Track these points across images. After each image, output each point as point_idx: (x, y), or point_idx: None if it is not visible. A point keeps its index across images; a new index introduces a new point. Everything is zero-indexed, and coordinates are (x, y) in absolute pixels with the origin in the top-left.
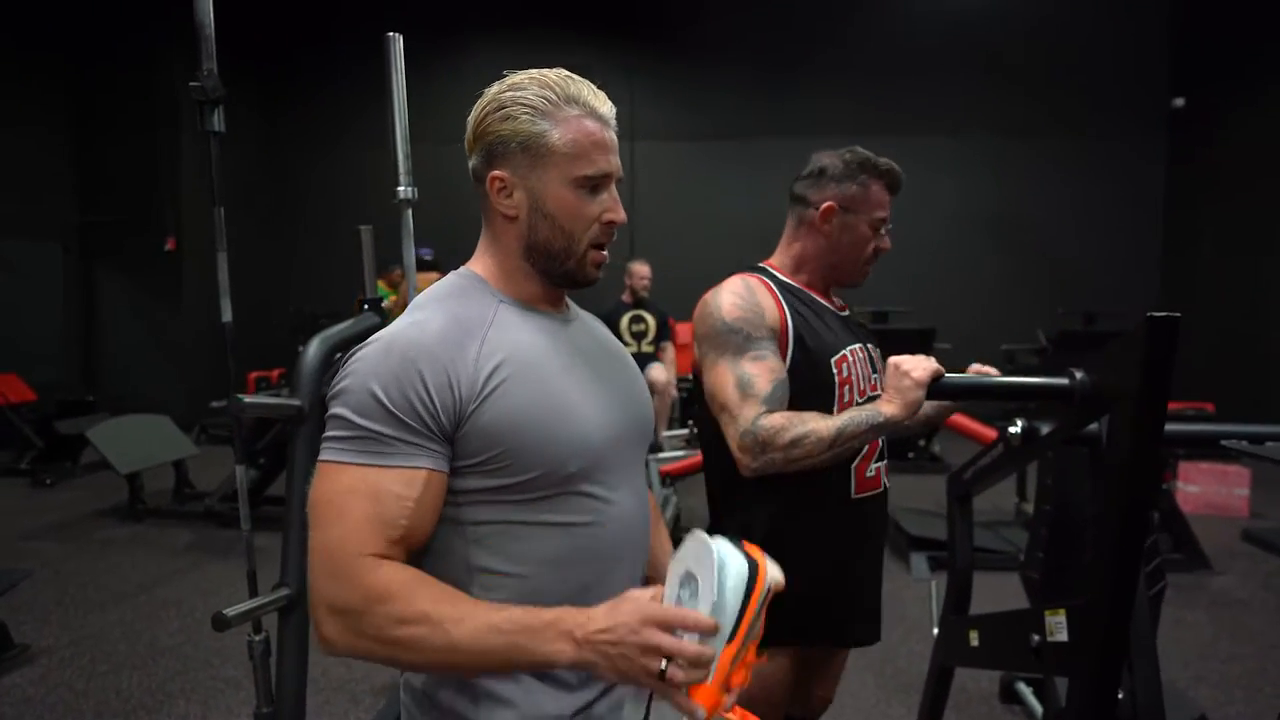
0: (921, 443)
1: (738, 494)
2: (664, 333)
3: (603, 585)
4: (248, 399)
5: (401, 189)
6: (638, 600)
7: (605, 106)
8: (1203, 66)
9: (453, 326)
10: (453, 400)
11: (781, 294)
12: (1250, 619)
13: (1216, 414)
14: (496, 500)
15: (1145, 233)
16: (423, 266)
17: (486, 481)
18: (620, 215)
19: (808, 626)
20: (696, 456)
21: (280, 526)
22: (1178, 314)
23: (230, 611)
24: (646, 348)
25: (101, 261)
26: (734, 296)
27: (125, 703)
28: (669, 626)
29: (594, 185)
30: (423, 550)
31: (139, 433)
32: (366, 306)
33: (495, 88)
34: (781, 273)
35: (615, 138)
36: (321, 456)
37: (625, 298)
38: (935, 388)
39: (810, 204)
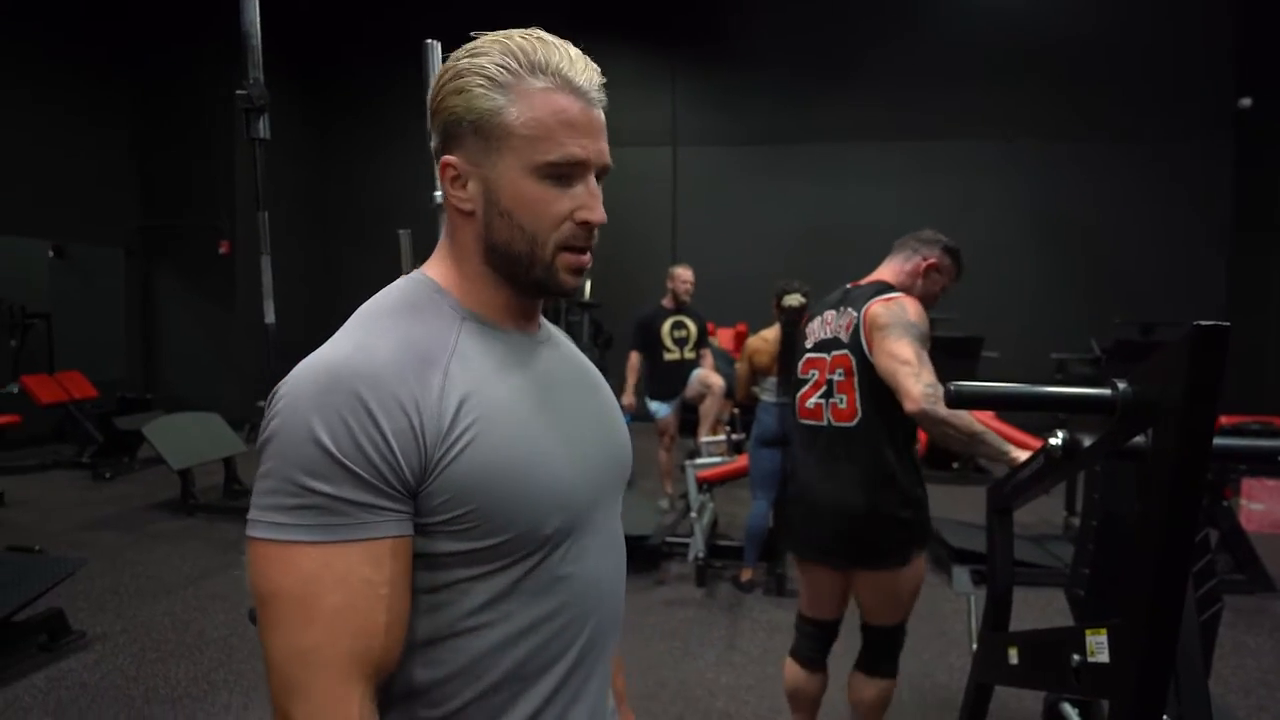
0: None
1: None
2: (704, 338)
3: (572, 658)
4: None
5: (438, 194)
6: None
7: (584, 76)
8: (1271, 64)
9: (407, 352)
10: (417, 448)
11: None
12: None
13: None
14: (459, 565)
15: (1211, 240)
16: None
17: (453, 545)
18: (597, 214)
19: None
20: (734, 463)
21: None
22: (1227, 323)
23: None
24: (689, 354)
25: (160, 264)
26: (917, 309)
27: (173, 690)
28: None
29: (563, 175)
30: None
31: (192, 430)
32: None
33: (458, 52)
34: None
35: (601, 116)
36: (257, 532)
37: (667, 302)
38: (967, 397)
39: (921, 255)
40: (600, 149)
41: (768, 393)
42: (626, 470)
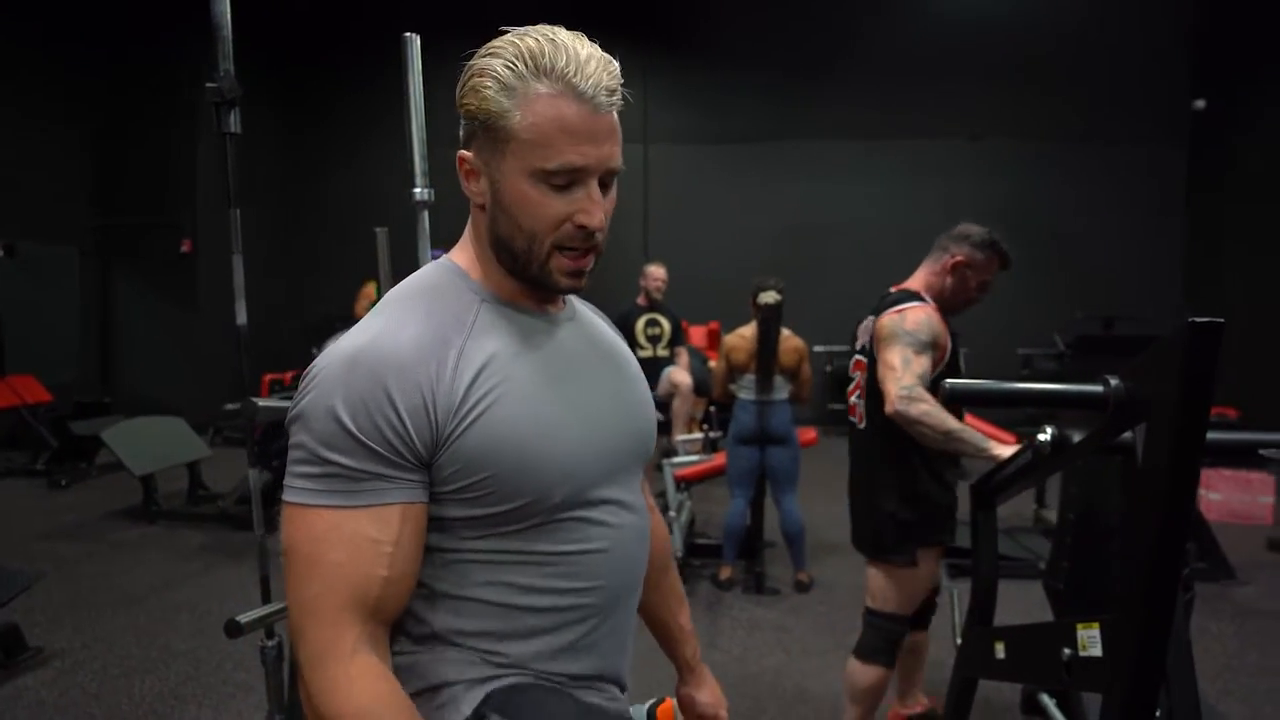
0: None
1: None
2: (678, 336)
3: (591, 613)
4: (262, 402)
5: (418, 190)
6: None
7: (591, 82)
8: (1223, 67)
9: (426, 334)
10: (428, 423)
11: (942, 320)
12: (1279, 631)
13: (1240, 420)
14: (473, 529)
15: (1167, 236)
16: None
17: (464, 511)
18: (594, 219)
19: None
20: (712, 461)
21: None
22: (1221, 320)
23: (244, 618)
24: (662, 351)
25: (118, 263)
26: (915, 318)
27: (137, 707)
28: None
29: (563, 181)
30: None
31: (153, 434)
32: None
33: (483, 48)
34: (929, 299)
35: (609, 120)
36: (286, 496)
37: (640, 300)
38: (963, 394)
39: (949, 253)
40: (603, 154)
41: (745, 390)
42: (647, 443)
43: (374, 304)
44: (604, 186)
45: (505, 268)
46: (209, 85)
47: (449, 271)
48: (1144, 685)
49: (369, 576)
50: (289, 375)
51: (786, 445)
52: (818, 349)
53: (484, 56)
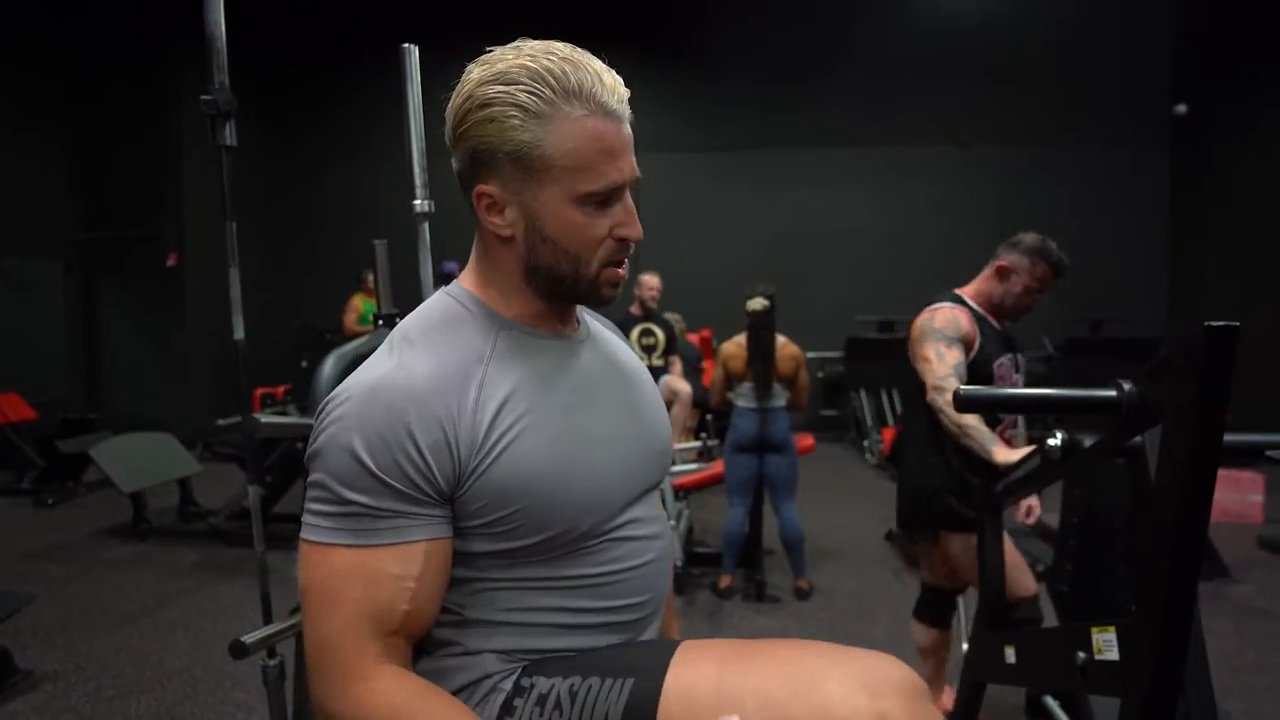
0: None
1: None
2: (672, 346)
3: (622, 630)
4: (264, 418)
5: (418, 202)
6: None
7: (614, 96)
8: (1205, 72)
9: (446, 366)
10: (450, 460)
11: (975, 317)
12: (1274, 628)
13: (1232, 421)
14: (500, 560)
15: (1152, 238)
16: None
17: (492, 545)
18: (636, 231)
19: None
20: (710, 469)
21: (289, 545)
22: (1236, 324)
23: (248, 639)
24: (657, 361)
25: (103, 278)
26: (942, 317)
27: None
28: None
29: (604, 200)
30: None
31: (142, 451)
32: (381, 323)
33: (477, 73)
34: (972, 300)
35: (629, 131)
36: (305, 534)
37: (634, 310)
38: (975, 401)
39: (998, 258)
40: (633, 165)
41: (744, 398)
42: (666, 459)
43: (362, 317)
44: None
45: (541, 293)
46: (204, 98)
47: (465, 300)
48: (1164, 689)
49: (390, 610)
50: (280, 389)
51: (785, 453)
52: (810, 355)
53: (493, 86)
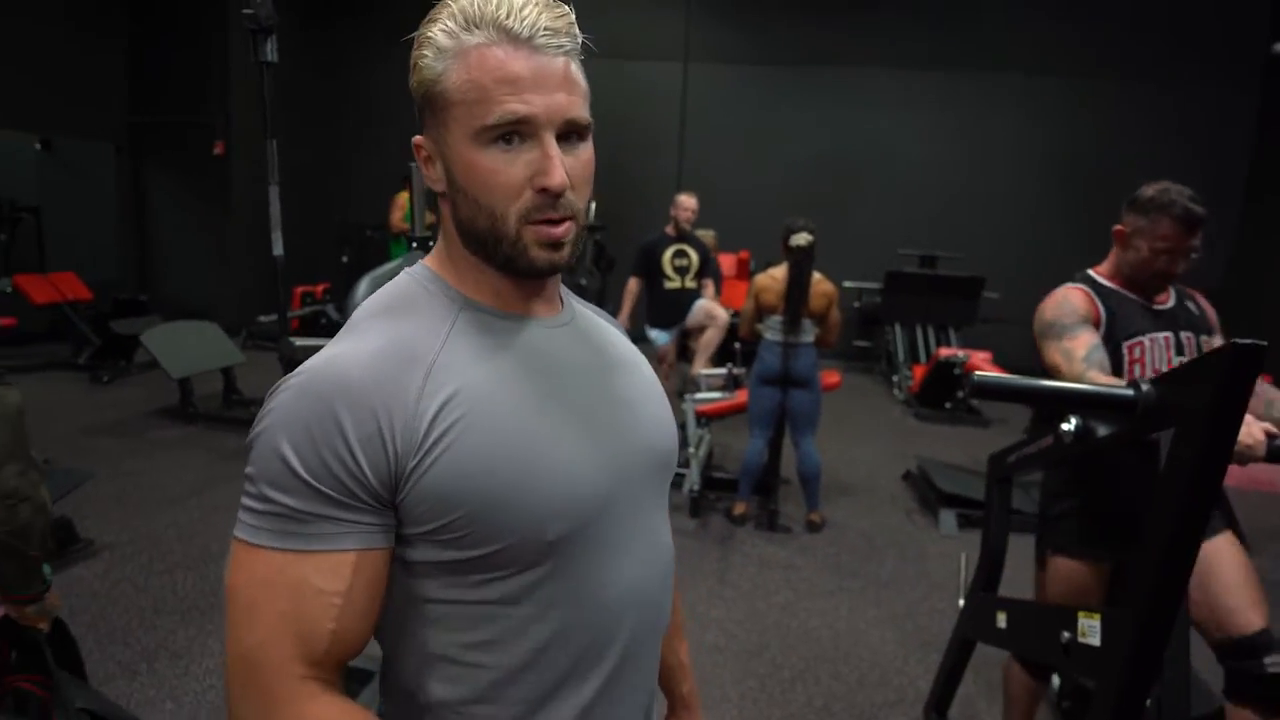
0: (960, 394)
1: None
2: (706, 268)
3: (601, 676)
4: (298, 341)
5: None
6: None
7: (528, 22)
8: None
9: (389, 353)
10: (385, 457)
11: (1095, 294)
12: None
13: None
14: (456, 575)
15: (1225, 189)
16: None
17: (441, 554)
18: (553, 178)
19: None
20: (734, 399)
21: None
22: (1264, 342)
23: None
24: (690, 283)
25: (152, 163)
26: (1053, 303)
27: (181, 601)
28: None
29: (510, 138)
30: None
31: (189, 338)
32: (415, 245)
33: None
34: (1102, 277)
35: (560, 64)
36: (235, 530)
37: (669, 230)
38: (989, 389)
39: (1121, 224)
40: (555, 102)
41: (772, 331)
42: (666, 459)
43: (407, 214)
44: (566, 142)
45: (479, 259)
46: (245, 12)
47: (425, 279)
48: (1138, 682)
49: (315, 630)
50: (320, 288)
51: (809, 389)
52: (847, 284)
53: (422, 27)
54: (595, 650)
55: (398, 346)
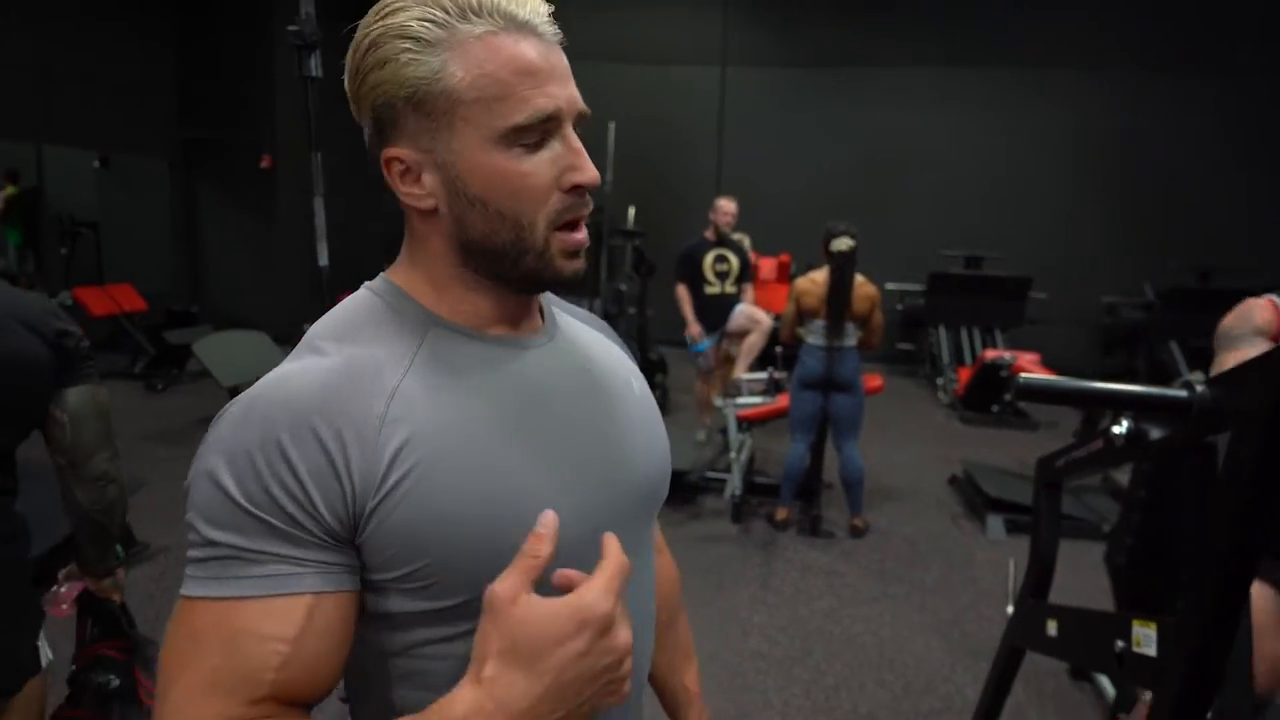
0: (1007, 397)
1: None
2: (746, 273)
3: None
4: None
5: None
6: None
7: (528, 8)
8: None
9: (346, 375)
10: (341, 493)
11: None
12: None
13: None
14: (424, 628)
15: (1277, 185)
16: None
17: (407, 604)
18: (588, 174)
19: None
20: (775, 403)
21: None
22: None
23: None
24: (730, 288)
25: (202, 177)
26: (1234, 313)
27: None
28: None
29: (536, 137)
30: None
31: (239, 348)
32: None
33: (369, 17)
34: None
35: (560, 52)
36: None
37: (709, 234)
38: (1034, 390)
39: None
40: (572, 94)
41: (813, 335)
42: (656, 489)
43: None
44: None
45: (484, 276)
46: (290, 29)
47: (385, 294)
48: (1197, 694)
49: (249, 679)
50: None
51: (851, 392)
52: (890, 286)
53: (378, 21)
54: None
55: (356, 368)
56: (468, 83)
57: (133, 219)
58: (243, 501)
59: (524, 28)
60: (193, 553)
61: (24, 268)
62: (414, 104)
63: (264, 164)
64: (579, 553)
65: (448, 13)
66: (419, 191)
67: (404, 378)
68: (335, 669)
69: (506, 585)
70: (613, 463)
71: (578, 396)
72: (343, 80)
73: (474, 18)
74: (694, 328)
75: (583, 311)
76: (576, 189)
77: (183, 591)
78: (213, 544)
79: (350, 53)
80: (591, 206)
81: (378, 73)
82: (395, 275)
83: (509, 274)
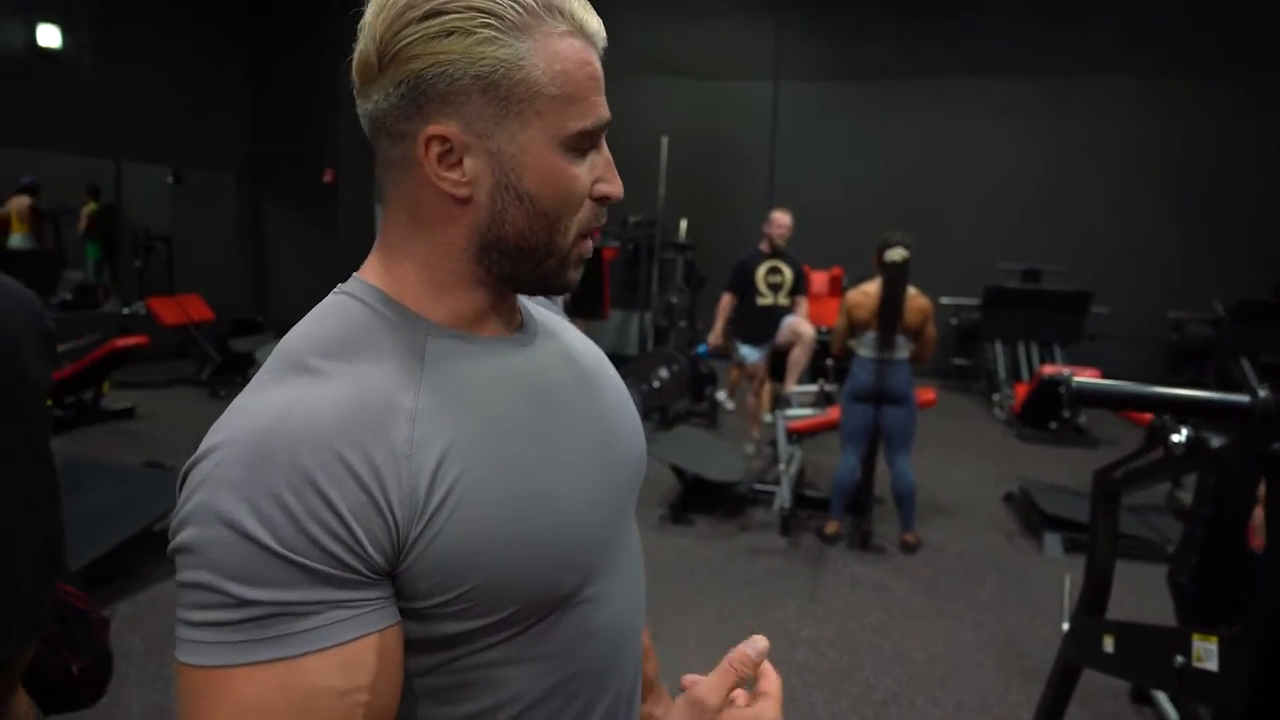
0: (1066, 414)
1: None
2: (799, 285)
3: (598, 696)
4: None
5: None
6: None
7: (590, 18)
8: None
9: (361, 401)
10: (386, 526)
11: None
12: None
13: None
14: (449, 650)
15: None
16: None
17: (435, 629)
18: (617, 187)
19: None
20: (825, 416)
21: None
22: None
23: None
24: (783, 300)
25: (268, 190)
26: None
27: None
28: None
29: (589, 143)
30: None
31: None
32: None
33: None
34: None
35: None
36: (185, 656)
37: (763, 247)
38: (1090, 396)
39: None
40: (607, 107)
41: (865, 348)
42: (639, 466)
43: None
44: None
45: (494, 274)
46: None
47: (370, 299)
48: (1261, 711)
49: None
50: None
51: (904, 405)
52: (944, 300)
53: None
54: (598, 684)
55: (369, 391)
56: (549, 78)
57: (202, 232)
58: (282, 551)
59: (591, 37)
60: (211, 615)
61: (101, 280)
62: (486, 84)
63: (326, 178)
64: (589, 540)
65: (535, 4)
66: (457, 177)
67: (419, 396)
68: (398, 704)
69: (714, 696)
70: (608, 448)
71: (573, 387)
72: None
73: (558, 17)
74: (716, 337)
75: (541, 300)
76: (603, 200)
77: (203, 661)
78: (248, 604)
79: (383, 10)
80: (604, 221)
81: (440, 40)
82: (372, 276)
83: (525, 275)
